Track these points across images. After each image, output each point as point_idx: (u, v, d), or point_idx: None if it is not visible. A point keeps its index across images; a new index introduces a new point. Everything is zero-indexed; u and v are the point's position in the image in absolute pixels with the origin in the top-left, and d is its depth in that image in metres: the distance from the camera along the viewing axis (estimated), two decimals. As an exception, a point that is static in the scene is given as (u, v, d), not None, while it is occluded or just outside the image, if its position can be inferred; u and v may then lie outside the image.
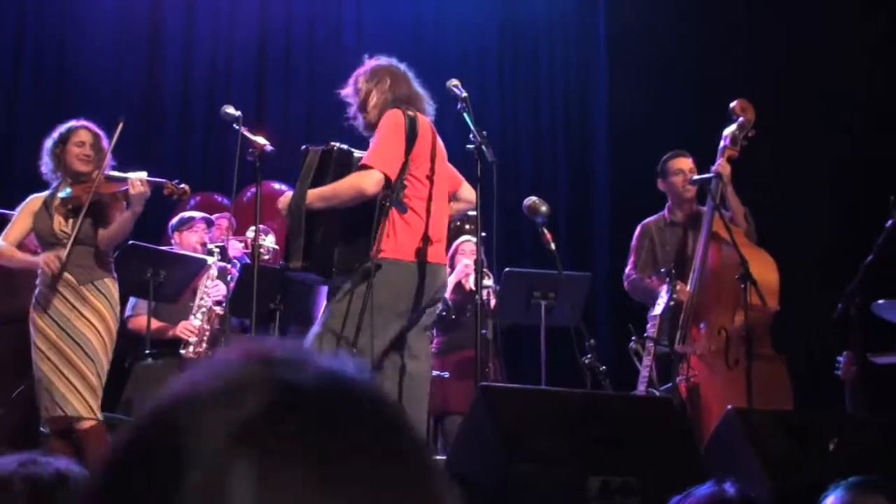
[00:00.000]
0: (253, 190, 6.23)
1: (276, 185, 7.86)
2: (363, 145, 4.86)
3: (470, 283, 6.30)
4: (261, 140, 4.68)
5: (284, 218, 4.73)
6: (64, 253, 4.96)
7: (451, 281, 6.50)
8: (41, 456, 1.83)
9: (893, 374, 6.21)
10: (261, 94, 8.68)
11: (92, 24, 8.30)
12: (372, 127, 4.81)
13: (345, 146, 4.83)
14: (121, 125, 5.22)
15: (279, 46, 8.83)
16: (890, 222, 5.85)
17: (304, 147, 4.91)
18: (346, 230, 4.71)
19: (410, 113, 4.74)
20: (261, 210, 4.76)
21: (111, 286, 5.11)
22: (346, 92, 4.91)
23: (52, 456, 1.95)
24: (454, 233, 6.74)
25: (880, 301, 6.06)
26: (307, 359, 0.77)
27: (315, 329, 4.64)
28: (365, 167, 4.60)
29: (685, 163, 6.21)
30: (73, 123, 5.26)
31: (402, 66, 4.98)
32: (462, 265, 6.44)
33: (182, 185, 5.18)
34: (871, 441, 4.94)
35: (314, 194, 4.62)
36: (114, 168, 5.24)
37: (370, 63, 4.98)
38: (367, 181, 4.56)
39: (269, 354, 0.76)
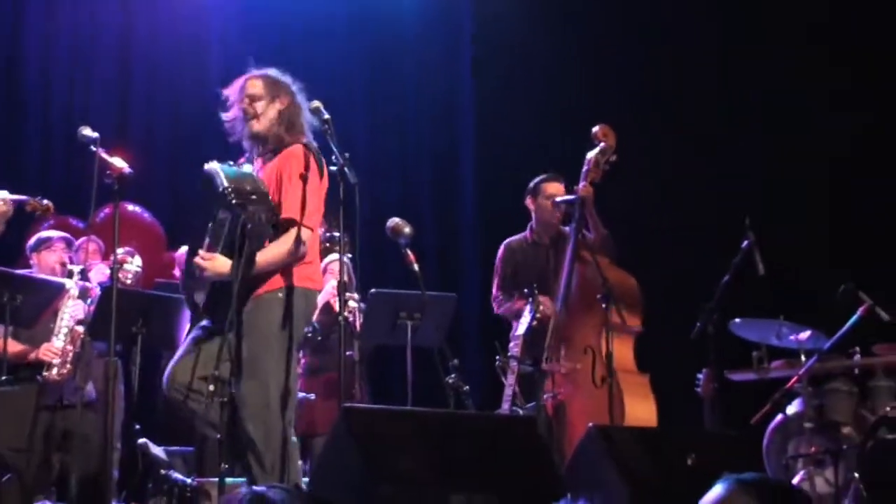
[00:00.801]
0: (106, 211, 6.12)
1: (130, 207, 7.75)
2: (232, 151, 4.81)
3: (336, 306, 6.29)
4: (119, 162, 4.60)
5: (206, 278, 4.48)
6: None
7: (320, 302, 6.48)
8: None
9: (748, 390, 6.42)
10: (123, 110, 8.55)
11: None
12: (256, 138, 4.66)
13: (256, 216, 4.44)
14: None
15: (142, 59, 8.70)
16: (745, 243, 6.04)
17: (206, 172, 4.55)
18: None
19: (313, 150, 4.63)
20: (118, 232, 4.65)
21: None
22: (234, 95, 4.72)
23: None
24: (321, 254, 6.74)
25: (737, 319, 6.26)
26: None
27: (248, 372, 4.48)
28: (300, 226, 4.46)
29: (557, 188, 6.32)
30: None
31: (295, 87, 4.80)
32: (330, 286, 6.43)
33: (45, 201, 5.07)
34: (728, 454, 5.10)
35: (259, 265, 4.40)
36: None
37: (268, 72, 4.79)
38: (306, 243, 4.49)
39: None
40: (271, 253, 4.45)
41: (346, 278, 6.12)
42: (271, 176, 4.57)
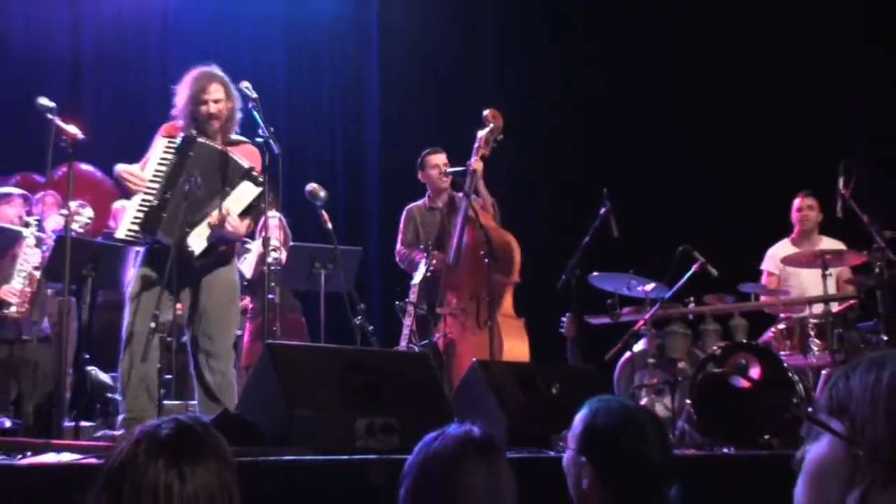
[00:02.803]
0: (63, 170, 5.96)
1: (84, 166, 7.53)
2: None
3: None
4: (72, 129, 4.47)
5: (230, 236, 4.63)
6: None
7: (254, 258, 6.39)
8: None
9: (603, 332, 6.54)
10: (75, 83, 8.25)
11: None
12: (221, 134, 4.68)
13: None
14: None
15: (90, 40, 8.40)
16: (602, 210, 6.13)
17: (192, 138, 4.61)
18: None
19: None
20: (73, 188, 4.54)
21: None
22: (221, 97, 4.67)
23: None
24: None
25: (595, 273, 6.36)
26: None
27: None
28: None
29: (440, 158, 6.31)
30: None
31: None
32: (258, 243, 6.33)
33: None
34: (587, 386, 5.18)
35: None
36: None
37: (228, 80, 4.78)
38: None
39: None
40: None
41: (281, 234, 6.09)
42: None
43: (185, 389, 5.46)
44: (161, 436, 1.46)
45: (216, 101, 4.63)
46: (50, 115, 4.46)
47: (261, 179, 4.59)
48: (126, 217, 4.58)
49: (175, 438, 1.46)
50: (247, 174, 4.61)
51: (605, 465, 2.08)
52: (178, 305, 4.57)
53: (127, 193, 4.74)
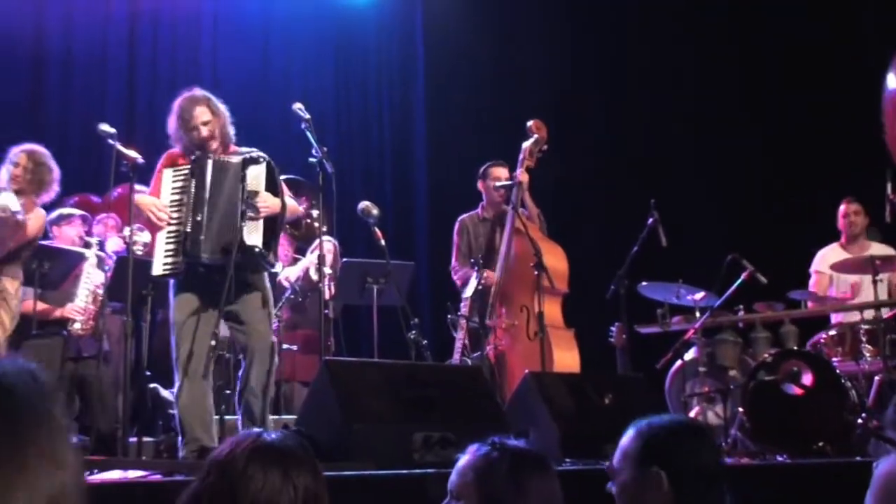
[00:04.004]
0: (119, 191, 6.08)
1: (140, 188, 7.66)
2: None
3: (313, 274, 6.26)
4: (133, 154, 4.57)
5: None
6: None
7: (301, 268, 6.47)
8: None
9: (652, 341, 6.50)
10: (131, 107, 8.41)
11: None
12: (222, 150, 4.72)
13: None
14: None
15: (145, 65, 8.56)
16: (650, 220, 6.11)
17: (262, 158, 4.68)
18: None
19: None
20: (133, 212, 4.61)
21: (6, 283, 4.90)
22: (209, 118, 4.71)
23: None
24: (307, 231, 6.71)
25: (644, 283, 6.32)
26: None
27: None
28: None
29: (503, 172, 6.28)
30: None
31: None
32: (310, 258, 6.38)
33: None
34: (638, 395, 5.17)
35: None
36: None
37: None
38: None
39: None
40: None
41: (331, 257, 6.13)
42: None
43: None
44: (267, 444, 1.49)
45: (205, 124, 4.64)
46: (111, 141, 4.56)
47: (261, 159, 4.57)
48: (157, 253, 4.57)
49: (280, 447, 1.49)
50: (246, 163, 4.58)
51: (675, 473, 2.01)
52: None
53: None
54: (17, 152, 4.95)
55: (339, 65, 9.19)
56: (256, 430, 1.58)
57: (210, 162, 4.61)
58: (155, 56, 8.55)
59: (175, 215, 4.58)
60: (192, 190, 4.57)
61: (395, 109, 9.30)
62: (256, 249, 4.49)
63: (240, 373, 4.62)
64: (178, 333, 4.50)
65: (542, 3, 8.99)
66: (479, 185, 6.37)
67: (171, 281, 4.63)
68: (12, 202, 4.67)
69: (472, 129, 8.55)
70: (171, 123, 4.68)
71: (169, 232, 4.56)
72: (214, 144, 4.66)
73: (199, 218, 4.53)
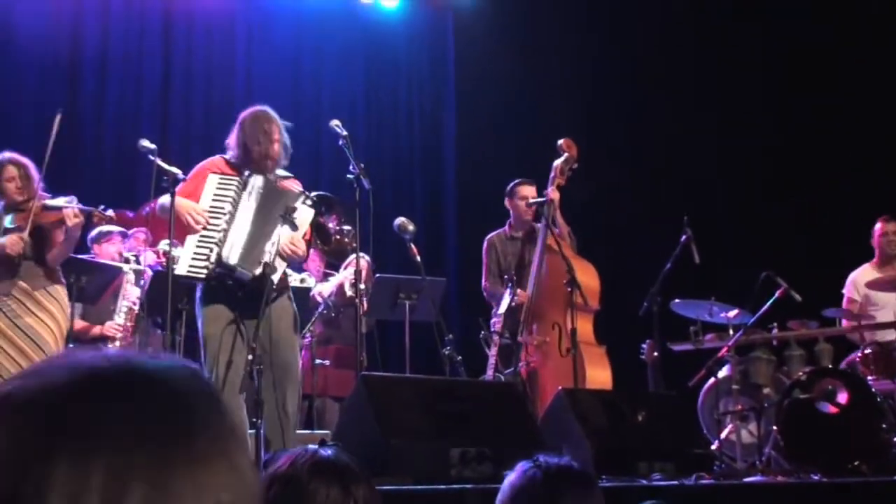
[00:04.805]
0: (151, 205, 6.14)
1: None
2: None
3: (348, 290, 6.29)
4: (173, 170, 4.63)
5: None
6: (25, 235, 4.80)
7: (335, 284, 6.51)
8: None
9: (686, 358, 6.48)
10: (164, 125, 8.51)
11: (14, 56, 8.02)
12: (273, 171, 4.82)
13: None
14: (59, 118, 5.07)
15: (180, 86, 8.67)
16: (684, 237, 6.10)
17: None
18: None
19: None
20: (173, 228, 4.65)
21: (61, 292, 4.97)
22: (278, 137, 4.78)
23: None
24: (337, 246, 6.74)
25: (677, 300, 6.31)
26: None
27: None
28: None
29: (530, 190, 6.29)
30: None
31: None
32: (348, 273, 6.39)
33: (108, 212, 5.07)
34: (671, 412, 5.17)
35: None
36: (45, 190, 5.09)
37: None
38: None
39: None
40: None
41: (365, 273, 6.16)
42: None
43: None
44: (327, 459, 1.52)
45: (274, 142, 4.69)
46: (151, 157, 4.63)
47: (313, 201, 4.64)
48: (185, 253, 4.58)
49: (338, 462, 1.52)
50: (301, 199, 4.63)
51: None
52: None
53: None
54: (5, 164, 5.04)
55: (370, 76, 9.25)
56: (311, 446, 1.62)
57: (265, 181, 4.66)
58: (189, 64, 8.65)
59: (212, 221, 4.59)
60: (240, 202, 4.61)
61: (425, 121, 9.35)
62: (273, 280, 4.54)
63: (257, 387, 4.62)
64: (212, 346, 4.51)
65: (570, 15, 9.01)
66: (507, 202, 6.38)
67: (198, 294, 4.67)
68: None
69: (503, 143, 8.57)
70: (241, 133, 4.71)
71: (202, 236, 4.57)
72: (270, 164, 4.71)
73: (239, 230, 4.58)
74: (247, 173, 4.67)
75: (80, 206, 4.90)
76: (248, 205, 4.62)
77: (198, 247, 4.56)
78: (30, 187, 5.01)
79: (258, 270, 4.49)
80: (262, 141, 4.66)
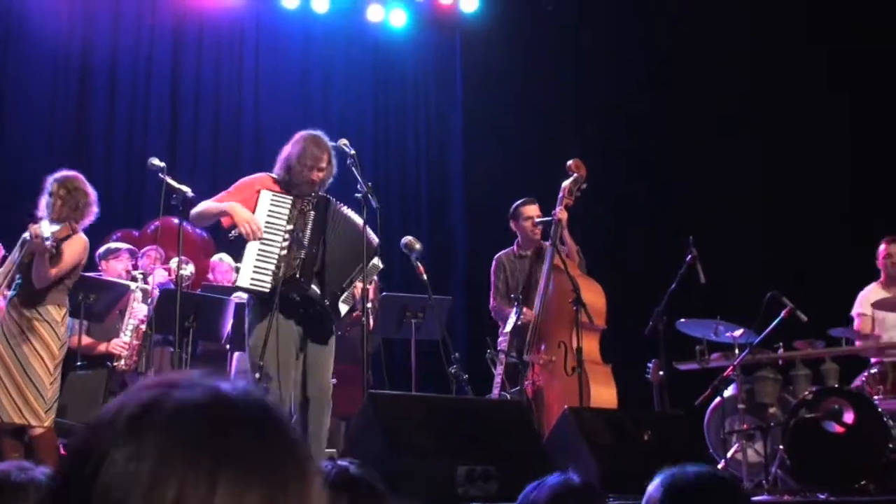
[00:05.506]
0: (156, 223, 6.15)
1: (174, 220, 7.81)
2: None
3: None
4: (183, 188, 4.66)
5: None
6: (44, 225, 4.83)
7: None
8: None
9: (692, 377, 6.48)
10: (173, 140, 8.57)
11: (28, 75, 8.09)
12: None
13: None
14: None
15: (189, 101, 8.73)
16: (689, 257, 6.11)
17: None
18: None
19: None
20: (182, 245, 4.69)
21: (53, 311, 4.97)
22: (326, 165, 4.82)
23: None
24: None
25: (682, 319, 6.32)
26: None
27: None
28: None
29: (534, 210, 6.31)
30: None
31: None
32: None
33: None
34: (677, 431, 5.17)
35: None
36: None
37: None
38: None
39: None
40: None
41: (371, 292, 6.19)
42: None
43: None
44: (353, 476, 1.54)
45: (322, 170, 4.74)
46: (161, 175, 4.66)
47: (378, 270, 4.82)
48: (245, 265, 4.58)
49: (361, 477, 1.55)
50: (377, 252, 4.80)
51: None
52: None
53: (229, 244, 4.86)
54: (50, 181, 5.05)
55: (378, 93, 9.30)
56: (340, 461, 1.64)
57: (334, 208, 4.78)
58: (198, 80, 8.71)
59: (268, 236, 4.62)
60: (310, 223, 4.67)
61: (432, 139, 9.40)
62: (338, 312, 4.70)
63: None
64: (258, 357, 4.52)
65: (578, 34, 9.07)
66: (512, 225, 6.40)
67: (248, 307, 4.70)
68: (45, 229, 4.73)
69: (510, 161, 8.60)
70: (292, 152, 4.74)
71: (262, 249, 4.59)
72: (308, 188, 4.76)
73: (314, 250, 4.65)
74: (321, 197, 4.78)
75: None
76: (324, 227, 4.70)
77: (258, 260, 4.58)
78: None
79: (329, 301, 4.65)
80: (307, 165, 4.70)
